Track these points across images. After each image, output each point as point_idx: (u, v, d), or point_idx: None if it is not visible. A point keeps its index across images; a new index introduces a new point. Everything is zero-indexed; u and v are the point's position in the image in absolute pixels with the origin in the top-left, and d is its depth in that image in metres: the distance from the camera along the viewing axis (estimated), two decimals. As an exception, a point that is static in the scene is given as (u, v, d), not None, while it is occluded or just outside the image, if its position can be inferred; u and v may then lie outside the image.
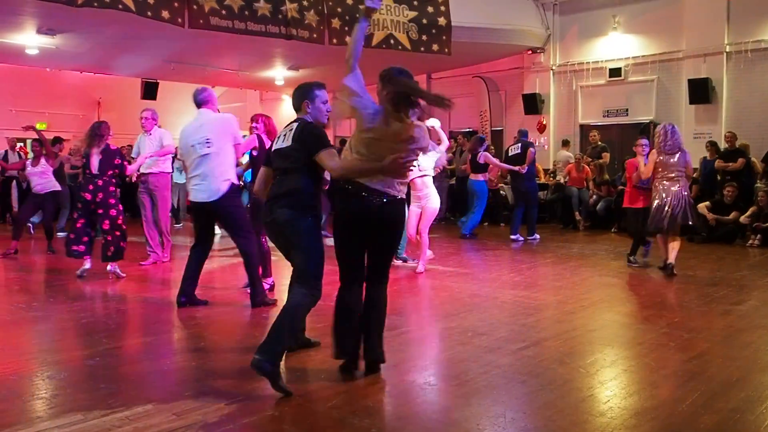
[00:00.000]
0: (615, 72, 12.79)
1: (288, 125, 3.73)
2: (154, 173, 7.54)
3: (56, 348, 4.36)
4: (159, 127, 7.72)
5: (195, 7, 8.98)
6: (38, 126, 9.72)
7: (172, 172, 8.40)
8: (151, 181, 7.54)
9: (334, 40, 10.18)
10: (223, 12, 9.22)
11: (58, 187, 9.02)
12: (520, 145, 10.23)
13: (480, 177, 10.17)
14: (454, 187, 12.92)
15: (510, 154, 10.36)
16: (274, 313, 4.80)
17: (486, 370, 3.76)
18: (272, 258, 5.88)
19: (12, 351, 4.27)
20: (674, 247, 6.87)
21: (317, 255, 3.57)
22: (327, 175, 3.88)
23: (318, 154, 3.52)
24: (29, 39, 10.91)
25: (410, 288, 6.40)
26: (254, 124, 5.82)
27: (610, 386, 3.59)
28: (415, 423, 3.04)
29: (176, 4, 8.85)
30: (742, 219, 9.60)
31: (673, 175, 6.80)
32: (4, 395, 3.35)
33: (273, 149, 3.78)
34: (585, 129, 13.29)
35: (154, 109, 7.85)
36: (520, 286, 6.45)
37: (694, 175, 10.97)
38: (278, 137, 3.77)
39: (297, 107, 3.78)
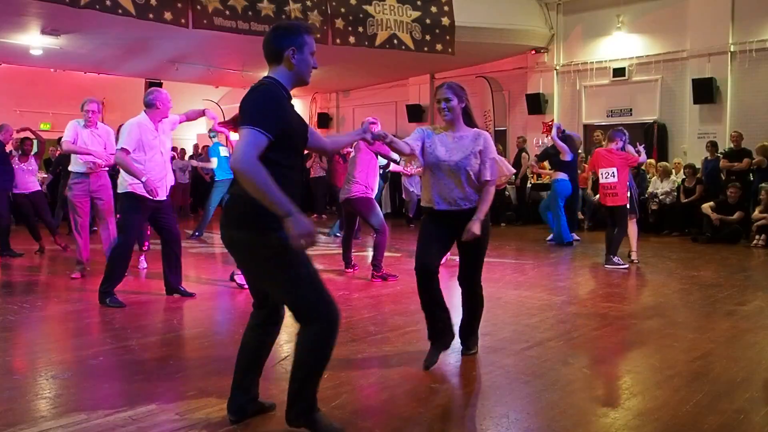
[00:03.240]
0: (619, 72, 12.78)
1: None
2: None
3: (60, 347, 4.37)
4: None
5: (199, 7, 9.00)
6: (42, 126, 9.67)
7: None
8: None
9: (338, 40, 10.19)
10: (227, 12, 9.24)
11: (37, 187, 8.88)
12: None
13: (558, 175, 9.49)
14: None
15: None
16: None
17: (489, 370, 3.76)
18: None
19: (16, 350, 4.29)
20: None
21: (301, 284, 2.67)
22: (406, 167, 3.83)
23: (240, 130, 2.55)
24: (33, 39, 10.96)
25: (414, 288, 6.37)
26: None
27: (614, 387, 3.58)
28: (418, 423, 3.03)
29: (179, 5, 8.87)
30: (755, 216, 9.44)
31: None
32: (8, 395, 3.36)
33: None
34: (589, 129, 13.26)
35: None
36: (524, 286, 6.44)
37: (698, 175, 10.97)
38: None
39: (275, 56, 2.71)
